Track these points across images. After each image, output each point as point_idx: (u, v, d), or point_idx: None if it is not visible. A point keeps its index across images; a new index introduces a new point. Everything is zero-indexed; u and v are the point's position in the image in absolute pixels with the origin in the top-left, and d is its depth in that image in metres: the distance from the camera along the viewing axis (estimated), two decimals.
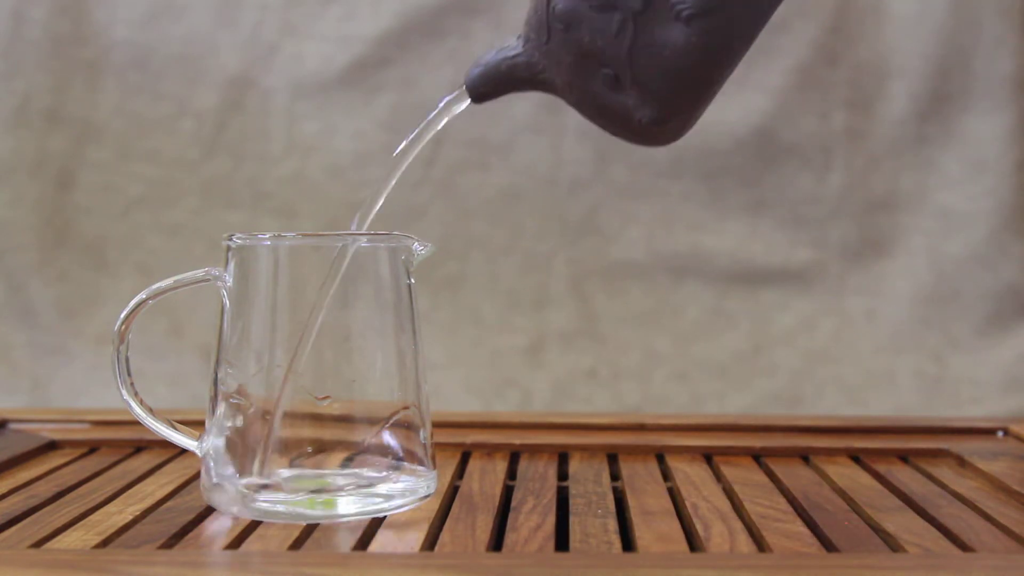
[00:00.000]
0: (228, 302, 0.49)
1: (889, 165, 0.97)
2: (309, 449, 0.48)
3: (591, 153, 0.98)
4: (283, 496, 0.47)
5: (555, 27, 0.45)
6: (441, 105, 0.49)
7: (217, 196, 0.98)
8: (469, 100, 0.49)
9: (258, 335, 0.48)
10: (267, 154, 0.98)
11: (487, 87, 0.48)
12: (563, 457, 0.61)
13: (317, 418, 0.48)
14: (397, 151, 0.50)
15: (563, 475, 0.57)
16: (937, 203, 0.97)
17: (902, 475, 0.57)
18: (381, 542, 0.45)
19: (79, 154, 0.99)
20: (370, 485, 0.48)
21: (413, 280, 0.50)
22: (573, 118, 0.98)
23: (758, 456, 0.61)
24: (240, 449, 0.48)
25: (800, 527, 0.47)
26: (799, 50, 0.97)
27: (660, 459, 0.60)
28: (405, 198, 0.97)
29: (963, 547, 0.45)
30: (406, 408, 0.49)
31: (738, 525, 0.47)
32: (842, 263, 0.97)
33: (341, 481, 0.48)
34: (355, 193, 0.97)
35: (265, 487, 0.47)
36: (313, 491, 0.47)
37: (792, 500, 0.52)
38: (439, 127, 0.50)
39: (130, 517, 0.48)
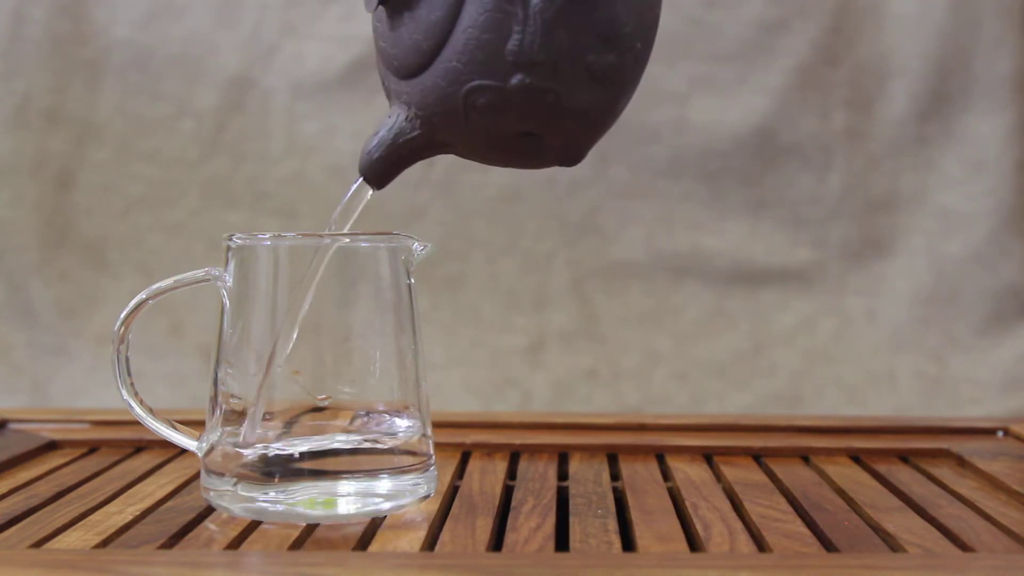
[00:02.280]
0: (228, 302, 0.49)
1: (889, 165, 0.97)
2: (309, 452, 0.48)
3: (591, 153, 0.98)
4: (284, 495, 0.47)
5: (474, 115, 0.45)
6: (345, 200, 0.48)
7: (217, 196, 0.98)
8: (372, 190, 0.48)
9: (258, 335, 0.48)
10: (267, 154, 0.98)
11: (390, 172, 0.48)
12: (563, 457, 0.61)
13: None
14: (313, 263, 0.48)
15: (563, 475, 0.57)
16: (937, 203, 0.97)
17: (902, 475, 0.57)
18: (381, 542, 0.45)
19: (79, 154, 0.99)
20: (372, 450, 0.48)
21: (413, 280, 0.50)
22: None
23: (758, 456, 0.61)
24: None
25: (800, 527, 0.47)
26: (799, 50, 0.97)
27: (660, 459, 0.60)
28: (405, 198, 0.97)
29: (963, 547, 0.45)
30: (406, 408, 0.49)
31: (738, 525, 0.47)
32: (842, 263, 0.97)
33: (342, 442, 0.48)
34: None
35: (269, 463, 0.47)
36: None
37: (792, 500, 0.52)
38: (351, 221, 0.49)
39: (130, 517, 0.48)
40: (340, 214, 0.48)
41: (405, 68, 0.46)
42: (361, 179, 0.48)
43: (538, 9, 0.43)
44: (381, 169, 0.48)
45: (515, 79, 0.44)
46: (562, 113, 0.45)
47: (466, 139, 0.47)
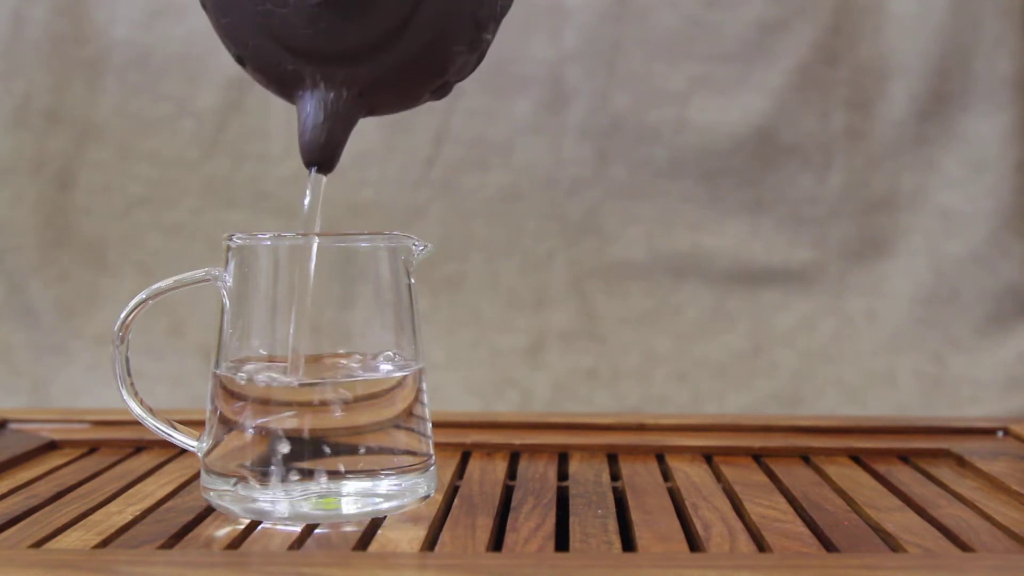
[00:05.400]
0: (228, 302, 0.49)
1: (889, 165, 0.97)
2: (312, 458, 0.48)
3: (591, 153, 0.98)
4: (284, 495, 0.47)
5: (449, 75, 0.50)
6: (308, 199, 0.49)
7: (217, 196, 0.98)
8: (324, 177, 0.49)
9: (258, 335, 0.48)
10: (267, 154, 0.98)
11: (338, 153, 0.50)
12: (563, 457, 0.61)
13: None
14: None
15: (563, 475, 0.57)
16: (937, 203, 0.97)
17: (902, 475, 0.57)
18: (381, 542, 0.45)
19: (79, 154, 0.99)
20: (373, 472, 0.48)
21: (413, 280, 0.50)
22: (573, 117, 0.98)
23: (758, 456, 0.61)
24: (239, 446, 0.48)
25: (800, 527, 0.47)
26: (799, 50, 0.97)
27: (660, 459, 0.60)
28: (405, 198, 0.97)
29: (963, 547, 0.45)
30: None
31: (738, 525, 0.47)
32: (842, 263, 0.97)
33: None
34: (355, 193, 0.97)
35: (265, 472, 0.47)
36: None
37: (792, 500, 0.52)
38: (318, 211, 0.49)
39: (130, 517, 0.48)
40: (309, 211, 0.49)
41: (351, 55, 0.48)
42: (315, 169, 0.49)
43: None
44: (333, 153, 0.50)
45: (484, 38, 0.49)
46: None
47: (404, 100, 0.51)
